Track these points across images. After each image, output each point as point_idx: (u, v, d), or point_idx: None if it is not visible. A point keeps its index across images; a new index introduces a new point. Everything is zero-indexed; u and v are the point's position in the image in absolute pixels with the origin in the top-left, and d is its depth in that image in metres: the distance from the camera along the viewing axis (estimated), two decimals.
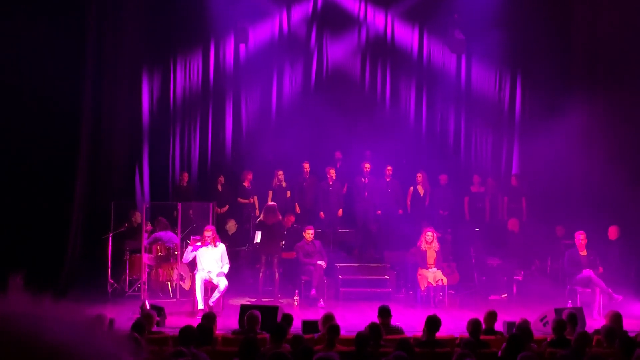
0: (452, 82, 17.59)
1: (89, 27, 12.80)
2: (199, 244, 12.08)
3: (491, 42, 16.68)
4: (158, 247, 13.35)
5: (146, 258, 13.07)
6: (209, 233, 12.08)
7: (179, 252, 13.28)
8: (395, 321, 9.21)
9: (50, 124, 11.95)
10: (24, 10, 11.94)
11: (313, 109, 16.31)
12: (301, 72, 16.98)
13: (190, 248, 12.23)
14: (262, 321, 8.09)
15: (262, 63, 17.00)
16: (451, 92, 17.63)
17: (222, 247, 12.28)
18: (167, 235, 13.93)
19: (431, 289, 13.09)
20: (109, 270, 13.32)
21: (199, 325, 7.80)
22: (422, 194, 15.28)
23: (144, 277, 12.99)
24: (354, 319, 11.18)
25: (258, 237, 13.62)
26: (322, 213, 15.38)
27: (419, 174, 15.35)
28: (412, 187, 15.33)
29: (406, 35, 17.10)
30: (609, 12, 15.21)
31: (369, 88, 17.63)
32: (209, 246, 12.07)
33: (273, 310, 9.50)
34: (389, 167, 15.26)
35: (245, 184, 15.50)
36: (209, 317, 8.38)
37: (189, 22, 16.48)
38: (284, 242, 13.73)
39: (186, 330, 7.26)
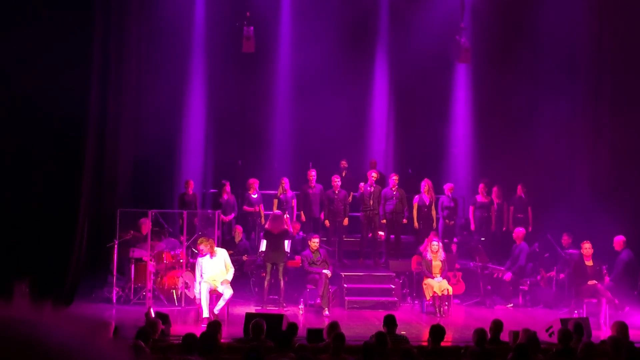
0: (457, 88, 17.66)
1: (94, 34, 12.83)
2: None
3: (496, 46, 16.79)
4: (163, 255, 13.38)
5: (151, 266, 13.09)
6: (202, 246, 12.03)
7: (184, 260, 13.30)
8: (400, 330, 9.19)
9: (56, 131, 11.97)
10: (30, 14, 11.98)
11: (317, 116, 16.33)
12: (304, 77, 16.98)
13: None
14: (267, 329, 8.07)
15: (264, 67, 17.09)
16: (456, 100, 17.72)
17: (222, 253, 12.21)
18: (169, 243, 13.95)
19: (437, 298, 13.07)
20: (114, 277, 13.35)
21: (203, 334, 7.79)
22: (427, 202, 15.25)
23: (149, 284, 12.99)
24: (359, 328, 11.16)
25: (263, 245, 13.62)
26: (327, 221, 15.38)
27: (424, 183, 15.32)
28: (417, 196, 15.31)
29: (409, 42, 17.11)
30: (614, 20, 15.26)
31: (373, 93, 17.74)
32: (206, 256, 12.03)
33: (278, 318, 9.48)
34: (395, 176, 15.23)
35: (251, 192, 15.50)
36: (214, 325, 8.37)
37: (192, 25, 16.65)
38: (289, 251, 13.71)
39: (189, 338, 7.25)
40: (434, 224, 15.29)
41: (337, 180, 15.28)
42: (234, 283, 12.31)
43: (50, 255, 11.83)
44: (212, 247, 12.07)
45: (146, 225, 13.50)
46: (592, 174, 15.62)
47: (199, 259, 12.11)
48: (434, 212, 15.33)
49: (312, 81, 16.58)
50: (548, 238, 14.38)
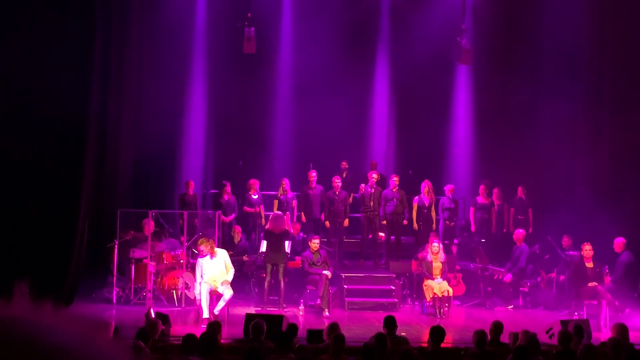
0: (457, 90, 17.67)
1: (95, 34, 12.84)
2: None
3: (497, 48, 16.80)
4: (163, 256, 13.38)
5: (152, 266, 13.09)
6: (202, 246, 12.03)
7: (184, 261, 13.30)
8: (400, 332, 9.19)
9: (56, 131, 11.97)
10: (30, 15, 11.99)
11: (318, 117, 16.34)
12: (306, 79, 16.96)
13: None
14: (267, 330, 8.07)
15: (265, 67, 17.10)
16: (457, 101, 17.73)
17: (222, 254, 12.21)
18: (170, 244, 13.95)
19: (437, 299, 13.06)
20: (115, 278, 13.35)
21: (203, 334, 7.79)
22: (427, 203, 15.24)
23: (150, 285, 12.99)
24: (359, 329, 11.16)
25: (263, 246, 13.61)
26: (327, 222, 15.38)
27: (424, 184, 15.31)
28: (417, 197, 15.29)
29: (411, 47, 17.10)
30: (615, 21, 15.28)
31: (374, 94, 17.77)
32: (206, 257, 12.02)
33: (278, 319, 9.48)
34: (396, 177, 15.23)
35: (252, 192, 15.50)
36: (214, 326, 8.37)
37: (193, 26, 16.69)
38: (289, 252, 13.70)
39: (189, 338, 7.26)
40: (434, 225, 15.29)
41: (337, 181, 15.28)
42: (234, 284, 12.30)
43: (51, 255, 11.83)
44: (212, 248, 12.07)
45: (149, 226, 13.50)
46: (593, 175, 15.63)
47: (199, 260, 12.10)
48: (433, 214, 15.32)
49: (312, 82, 16.59)
50: (548, 240, 14.37)
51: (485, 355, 7.55)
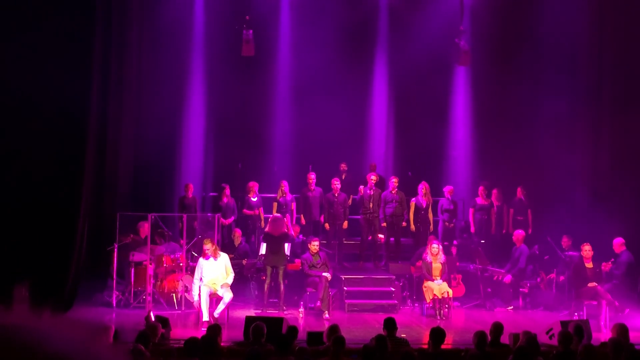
0: (456, 91, 17.67)
1: (95, 37, 12.84)
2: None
3: (496, 49, 16.80)
4: (163, 259, 13.37)
5: (151, 270, 13.08)
6: (207, 246, 12.05)
7: (183, 264, 13.29)
8: (400, 333, 9.18)
9: (56, 133, 11.97)
10: (31, 16, 11.99)
11: (317, 119, 16.34)
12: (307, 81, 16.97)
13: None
14: (267, 333, 8.07)
15: (264, 70, 17.11)
16: (455, 103, 17.73)
17: (224, 257, 12.24)
18: (169, 247, 13.95)
19: (437, 301, 13.05)
20: (114, 281, 13.34)
21: (203, 337, 7.78)
22: (424, 205, 15.22)
23: (149, 288, 12.99)
24: (359, 331, 11.16)
25: (263, 248, 13.61)
26: (327, 224, 15.38)
27: (421, 185, 15.30)
28: (414, 199, 15.26)
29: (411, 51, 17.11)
30: (614, 20, 15.29)
31: (373, 96, 17.77)
32: (210, 259, 12.03)
33: (278, 321, 9.48)
34: (395, 179, 15.23)
35: (251, 195, 15.50)
36: (214, 329, 8.36)
37: (191, 29, 16.70)
38: (289, 254, 13.69)
39: (191, 341, 7.25)
40: (431, 227, 15.27)
41: (336, 183, 15.28)
42: (234, 286, 12.30)
43: (50, 258, 11.82)
44: (216, 250, 12.09)
45: (144, 229, 13.50)
46: (592, 175, 15.64)
47: (201, 261, 12.11)
48: (430, 215, 15.31)
49: (311, 84, 16.59)
50: (548, 240, 14.37)
51: (485, 357, 7.55)
